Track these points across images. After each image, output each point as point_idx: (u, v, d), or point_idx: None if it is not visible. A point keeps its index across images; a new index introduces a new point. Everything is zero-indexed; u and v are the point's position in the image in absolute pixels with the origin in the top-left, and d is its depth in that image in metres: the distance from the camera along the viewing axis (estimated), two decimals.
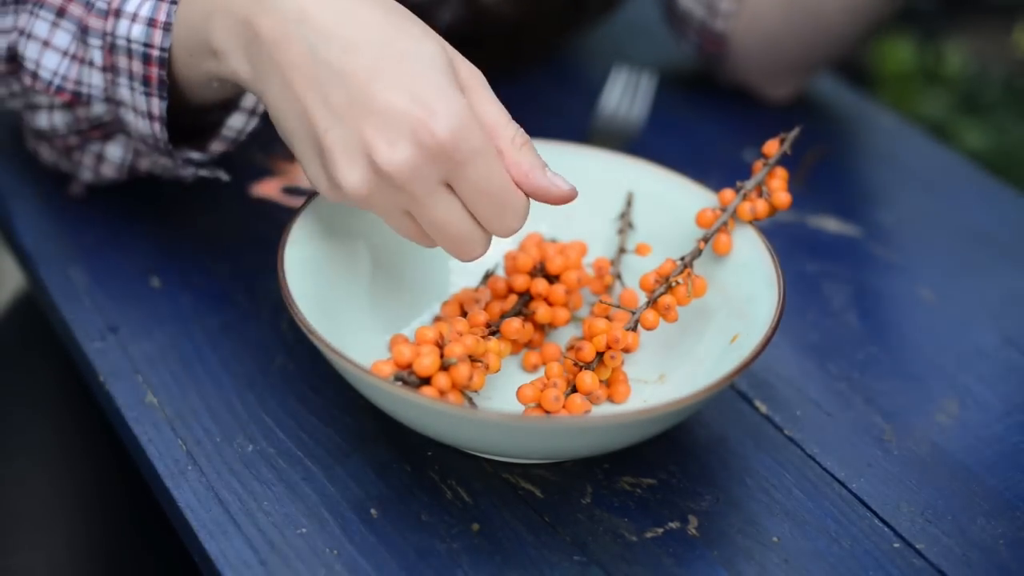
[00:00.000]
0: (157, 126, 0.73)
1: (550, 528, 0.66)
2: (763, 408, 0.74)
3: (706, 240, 0.72)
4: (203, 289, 0.80)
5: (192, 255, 0.82)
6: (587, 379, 0.69)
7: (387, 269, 0.76)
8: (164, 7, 0.71)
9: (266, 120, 0.76)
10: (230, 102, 0.75)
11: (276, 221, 0.84)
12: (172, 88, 0.73)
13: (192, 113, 0.76)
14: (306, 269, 0.70)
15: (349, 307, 0.73)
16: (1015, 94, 2.02)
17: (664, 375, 0.73)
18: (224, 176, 0.77)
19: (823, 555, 0.66)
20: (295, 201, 0.86)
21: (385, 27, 0.64)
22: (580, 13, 1.03)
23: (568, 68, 1.05)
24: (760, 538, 0.66)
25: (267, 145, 0.91)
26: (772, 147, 0.75)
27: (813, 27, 0.95)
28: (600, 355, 0.70)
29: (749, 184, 0.74)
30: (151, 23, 0.71)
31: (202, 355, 0.75)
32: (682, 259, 0.71)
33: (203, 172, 0.77)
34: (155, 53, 0.71)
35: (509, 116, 0.65)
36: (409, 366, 0.65)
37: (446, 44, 0.65)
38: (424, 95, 0.62)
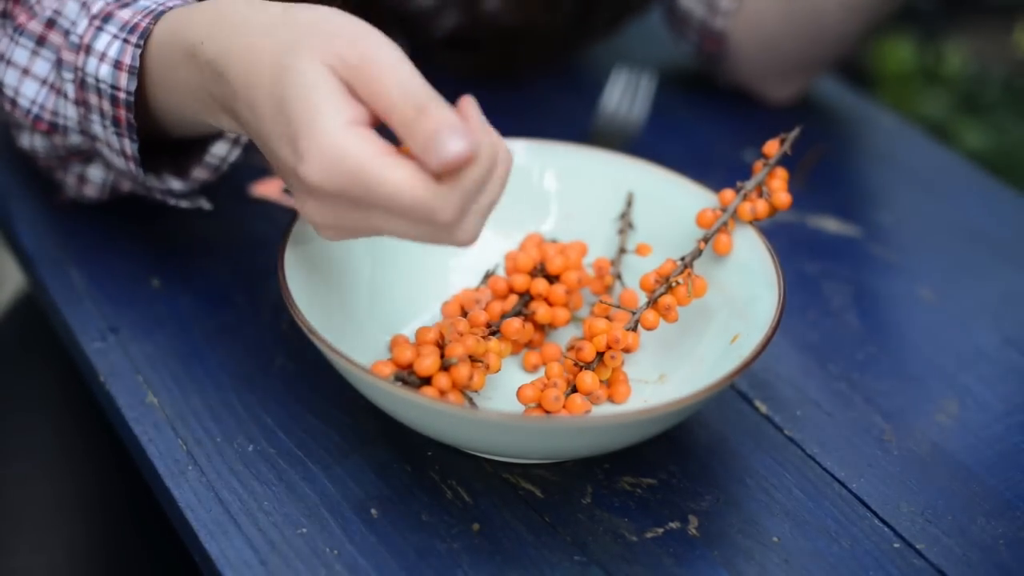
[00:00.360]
0: (132, 164, 0.72)
1: (550, 528, 0.66)
2: (763, 408, 0.74)
3: (706, 240, 0.72)
4: (203, 290, 0.80)
5: (192, 256, 0.82)
6: (587, 379, 0.69)
7: (387, 269, 0.76)
8: (129, 50, 0.69)
9: (250, 149, 0.76)
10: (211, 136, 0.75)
11: (276, 222, 0.84)
12: (151, 116, 0.72)
13: (174, 139, 0.75)
14: (306, 269, 0.70)
15: (349, 307, 0.73)
16: (1015, 94, 2.02)
17: (664, 375, 0.73)
18: (206, 205, 0.76)
19: (823, 555, 0.66)
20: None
21: (274, 54, 0.61)
22: (585, 27, 1.03)
23: (569, 69, 1.05)
24: (760, 538, 0.66)
25: None
26: (772, 147, 0.75)
27: (812, 25, 0.95)
28: (600, 355, 0.70)
29: (749, 184, 0.74)
30: (117, 65, 0.69)
31: (202, 355, 0.75)
32: (682, 259, 0.71)
33: (183, 204, 0.76)
34: (121, 96, 0.70)
35: (408, 84, 0.58)
36: (410, 366, 0.65)
37: (335, 34, 0.60)
38: (296, 134, 0.59)
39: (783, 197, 0.74)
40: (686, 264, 0.71)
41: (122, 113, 0.70)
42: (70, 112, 0.74)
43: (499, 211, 0.73)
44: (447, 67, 0.84)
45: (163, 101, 0.70)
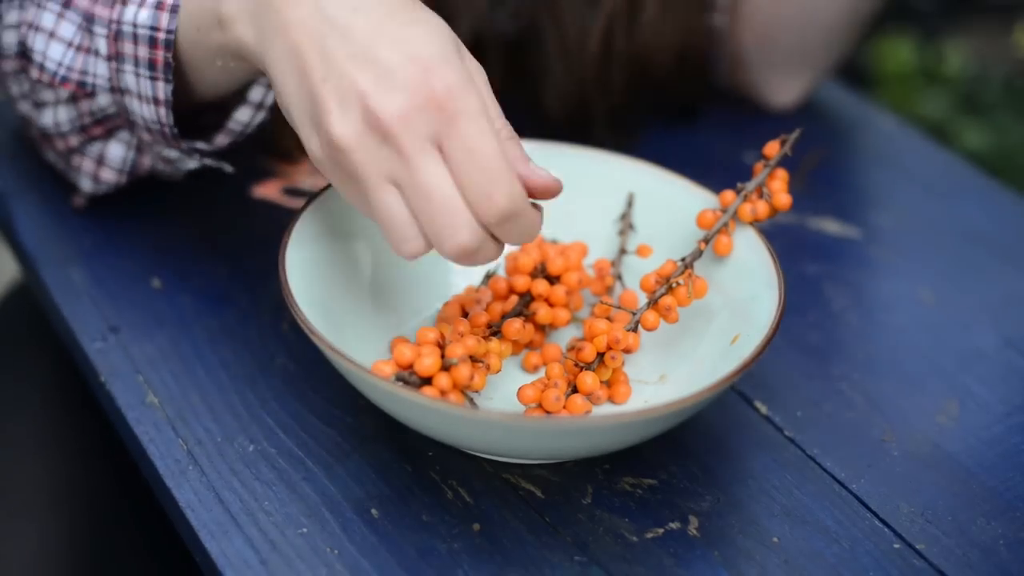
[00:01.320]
0: (163, 111, 0.72)
1: (551, 528, 0.66)
2: (763, 409, 0.74)
3: (707, 241, 0.72)
4: (204, 290, 0.80)
5: (193, 256, 0.82)
6: (588, 380, 0.69)
7: (388, 269, 0.76)
8: None
9: (269, 117, 0.76)
10: (233, 100, 0.75)
11: (277, 222, 0.84)
12: (177, 79, 0.73)
13: (195, 112, 0.76)
14: (307, 270, 0.70)
15: (350, 307, 0.73)
16: (1015, 94, 2.02)
17: (665, 376, 0.73)
18: (228, 168, 0.77)
19: (823, 555, 0.66)
20: (296, 202, 0.86)
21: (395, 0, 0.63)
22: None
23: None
24: (760, 538, 0.66)
25: (268, 146, 0.91)
26: (773, 148, 0.75)
27: (806, 18, 0.95)
28: (601, 356, 0.70)
29: (750, 185, 0.74)
30: (159, 6, 0.71)
31: (203, 355, 0.75)
32: (683, 260, 0.71)
33: (208, 161, 0.76)
34: (161, 36, 0.70)
35: (501, 111, 0.63)
36: (410, 366, 0.65)
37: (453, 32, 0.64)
38: (426, 56, 0.60)
39: (784, 198, 0.74)
40: (686, 265, 0.71)
41: (159, 54, 0.71)
42: (100, 69, 0.74)
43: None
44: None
45: (192, 49, 0.71)
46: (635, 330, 0.71)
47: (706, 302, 0.73)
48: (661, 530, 0.66)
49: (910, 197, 0.95)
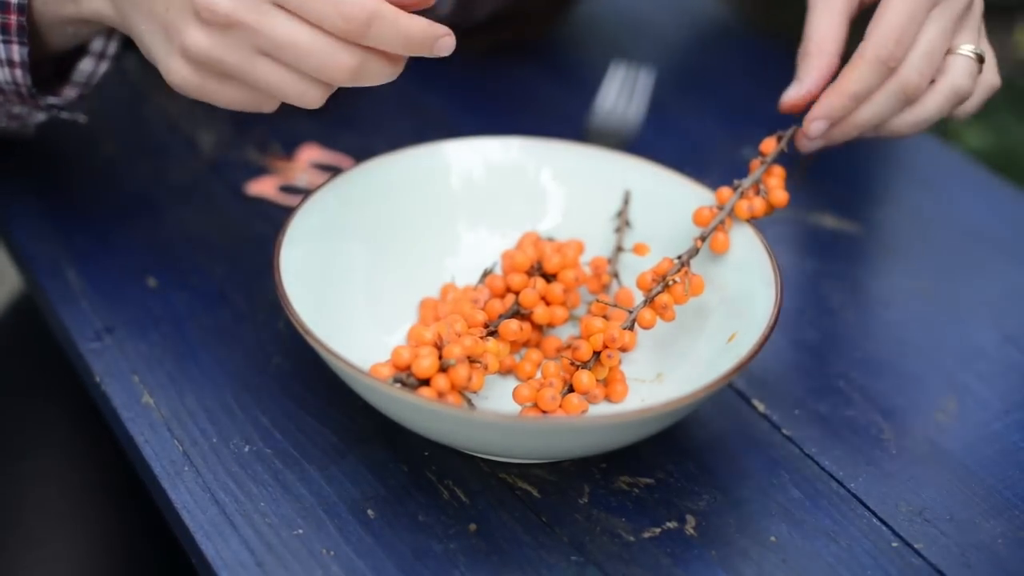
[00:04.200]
0: (19, 72, 0.73)
1: (547, 528, 0.66)
2: (761, 407, 0.74)
3: (703, 239, 0.72)
4: (199, 289, 0.80)
5: (188, 255, 0.82)
6: (583, 378, 0.69)
7: (383, 269, 0.76)
8: None
9: (112, 67, 0.76)
10: (73, 52, 0.76)
11: (272, 220, 0.84)
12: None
13: (42, 62, 0.76)
14: (302, 269, 0.70)
15: (346, 307, 0.72)
16: (1015, 94, 2.02)
17: (662, 374, 0.72)
18: (82, 119, 0.78)
19: (821, 555, 0.65)
20: (291, 200, 0.86)
21: None
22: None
23: (565, 66, 1.05)
24: (758, 538, 0.66)
25: (263, 144, 0.91)
26: (769, 145, 0.75)
27: None
28: (597, 354, 0.70)
29: (746, 182, 0.73)
30: None
31: (198, 356, 0.75)
32: (679, 258, 0.71)
33: (63, 114, 0.77)
34: (13, 0, 0.70)
35: None
36: (408, 367, 0.65)
37: None
38: None
39: (780, 195, 0.73)
40: (683, 263, 0.71)
41: (12, 18, 0.71)
42: None
43: (496, 210, 0.73)
44: (457, 66, 0.82)
45: (40, 16, 0.72)
46: (631, 328, 0.70)
47: (703, 300, 0.73)
48: (658, 529, 0.66)
49: (909, 192, 0.94)
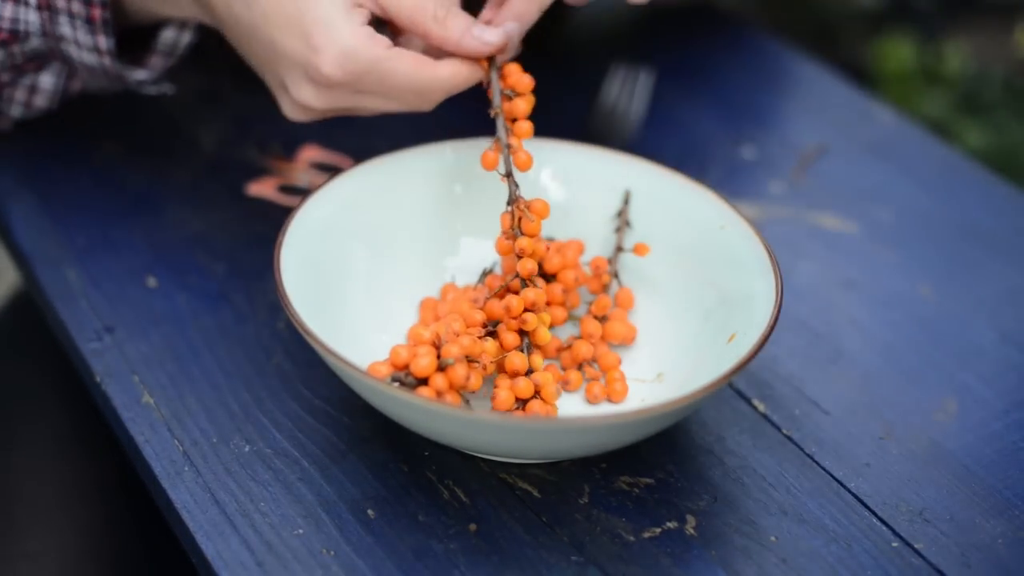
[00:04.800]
0: (107, 59, 0.77)
1: (547, 528, 0.66)
2: (761, 407, 0.74)
3: (508, 174, 0.72)
4: (199, 289, 0.80)
5: (188, 255, 0.82)
6: (516, 360, 0.69)
7: (383, 269, 0.76)
8: None
9: (196, 37, 0.78)
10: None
11: (273, 220, 0.84)
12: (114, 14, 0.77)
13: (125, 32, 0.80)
14: (303, 269, 0.70)
15: (346, 307, 0.72)
16: (1015, 94, 2.02)
17: (662, 374, 0.72)
18: (169, 90, 0.82)
19: (821, 555, 0.65)
20: (292, 200, 0.86)
21: None
22: None
23: (565, 65, 1.05)
24: (758, 538, 0.66)
25: (263, 144, 0.91)
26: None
27: None
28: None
29: (495, 101, 0.73)
30: None
31: (198, 355, 0.75)
32: (511, 202, 0.72)
33: (151, 90, 0.81)
34: None
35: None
36: (406, 367, 0.65)
37: None
38: (310, 31, 0.69)
39: (523, 80, 0.73)
40: (513, 199, 0.71)
41: (97, 12, 0.75)
42: (31, 17, 0.77)
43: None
44: None
45: (141, 5, 0.77)
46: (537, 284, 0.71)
47: (703, 300, 0.73)
48: (658, 529, 0.66)
49: (909, 192, 0.94)
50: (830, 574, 0.64)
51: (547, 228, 0.79)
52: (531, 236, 0.71)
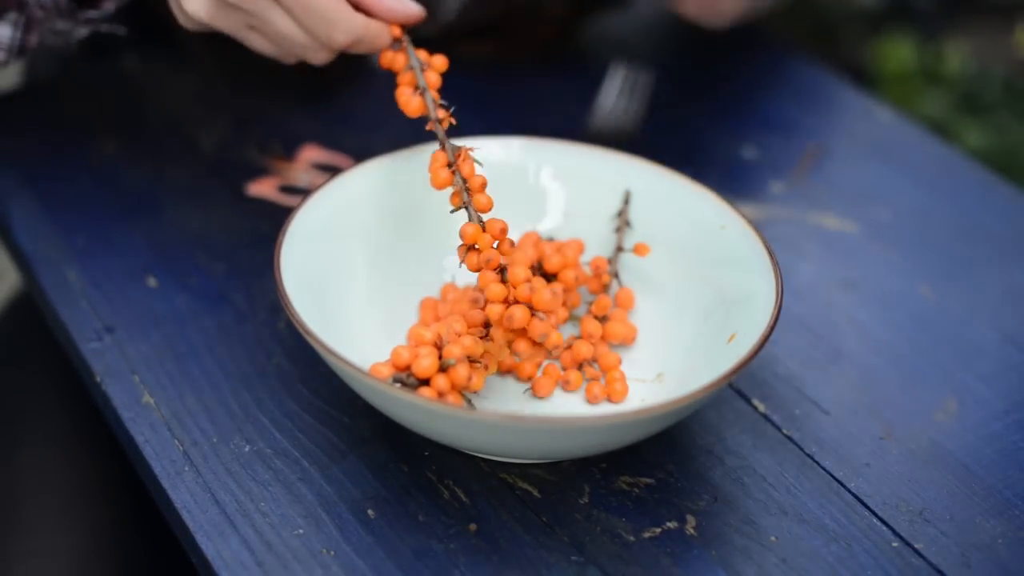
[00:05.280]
0: None
1: (548, 528, 0.66)
2: (761, 407, 0.74)
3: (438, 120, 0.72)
4: (199, 289, 0.80)
5: (188, 255, 0.82)
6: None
7: (384, 269, 0.76)
8: None
9: (250, 116, 0.77)
10: None
11: (273, 220, 0.84)
12: None
13: None
14: (303, 269, 0.70)
15: (346, 307, 0.72)
16: (1015, 94, 2.02)
17: (662, 374, 0.72)
18: (122, 30, 0.82)
19: (821, 554, 0.65)
20: (292, 200, 0.86)
21: None
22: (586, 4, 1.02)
23: (565, 65, 1.05)
24: (758, 538, 0.66)
25: (263, 144, 0.91)
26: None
27: None
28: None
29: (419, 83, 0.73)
30: None
31: (199, 355, 0.75)
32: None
33: (103, 27, 0.82)
34: None
35: None
36: (408, 368, 0.65)
37: None
38: None
39: (439, 60, 0.74)
40: (444, 146, 0.71)
41: None
42: None
43: (495, 209, 0.73)
44: (460, 57, 0.84)
45: None
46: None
47: (703, 299, 0.73)
48: (658, 529, 0.66)
49: (909, 191, 0.94)
50: (830, 574, 0.64)
51: (548, 228, 0.79)
52: (484, 210, 0.71)
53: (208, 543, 0.64)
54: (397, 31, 0.74)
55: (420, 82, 0.73)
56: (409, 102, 0.73)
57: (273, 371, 0.74)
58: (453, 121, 0.72)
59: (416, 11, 0.73)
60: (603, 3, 1.05)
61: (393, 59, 0.74)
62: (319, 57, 0.74)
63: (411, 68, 0.73)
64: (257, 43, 0.74)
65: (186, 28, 0.74)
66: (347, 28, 0.71)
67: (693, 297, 0.74)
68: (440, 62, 0.74)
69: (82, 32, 0.82)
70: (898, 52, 2.05)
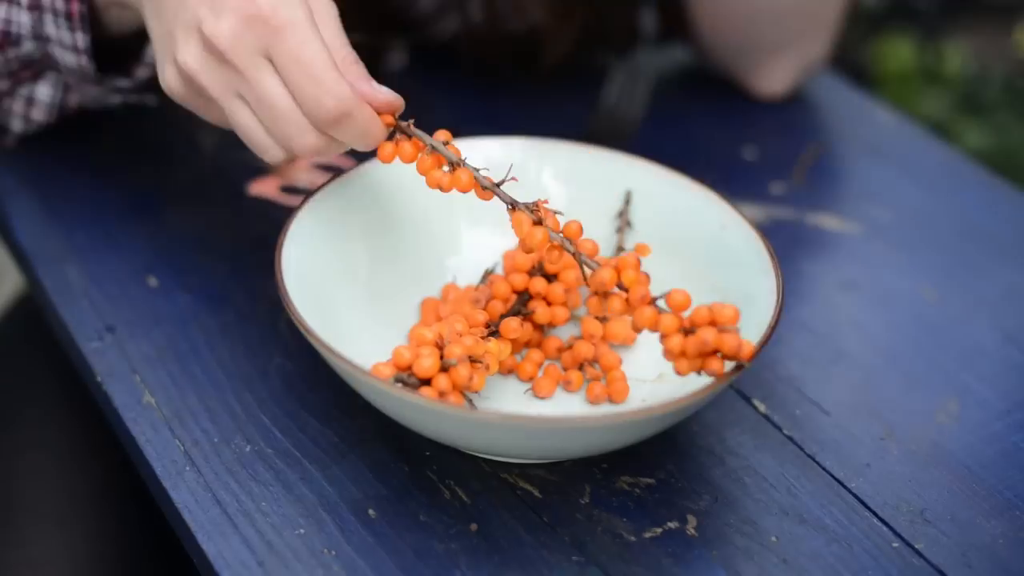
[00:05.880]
0: (83, 58, 0.78)
1: (548, 528, 0.66)
2: (762, 407, 0.74)
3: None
4: (201, 289, 0.80)
5: (190, 255, 0.82)
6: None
7: (385, 269, 0.76)
8: None
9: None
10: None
11: (274, 220, 0.84)
12: (92, 20, 0.77)
13: (113, 43, 0.80)
14: (304, 269, 0.70)
15: (347, 307, 0.72)
16: (1015, 94, 2.02)
17: (663, 374, 0.72)
18: (152, 101, 0.82)
19: (822, 555, 0.65)
20: (293, 200, 0.86)
21: None
22: (596, 39, 1.02)
23: (566, 65, 1.05)
24: (759, 538, 0.66)
25: None
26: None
27: (752, 8, 0.95)
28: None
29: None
30: None
31: (200, 355, 0.75)
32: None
33: (131, 99, 0.82)
34: None
35: (345, 42, 0.68)
36: (409, 367, 0.65)
37: None
38: None
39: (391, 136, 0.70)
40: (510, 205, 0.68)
41: (75, 7, 0.76)
42: (23, 18, 0.78)
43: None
44: (459, 70, 0.84)
45: None
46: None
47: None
48: (659, 529, 0.66)
49: (909, 192, 0.94)
50: (831, 574, 0.64)
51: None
52: (592, 254, 0.67)
53: (209, 543, 0.64)
54: (390, 119, 0.68)
55: (450, 157, 0.68)
56: (478, 195, 0.69)
57: (274, 371, 0.74)
58: (514, 179, 0.69)
59: (398, 101, 0.68)
60: (609, 40, 1.04)
61: (397, 149, 0.69)
62: (305, 141, 0.67)
63: (432, 150, 0.69)
64: (240, 115, 0.67)
65: (171, 95, 0.70)
66: (338, 94, 0.65)
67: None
68: (446, 136, 0.70)
69: (116, 99, 0.83)
70: (898, 52, 2.05)
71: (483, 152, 0.78)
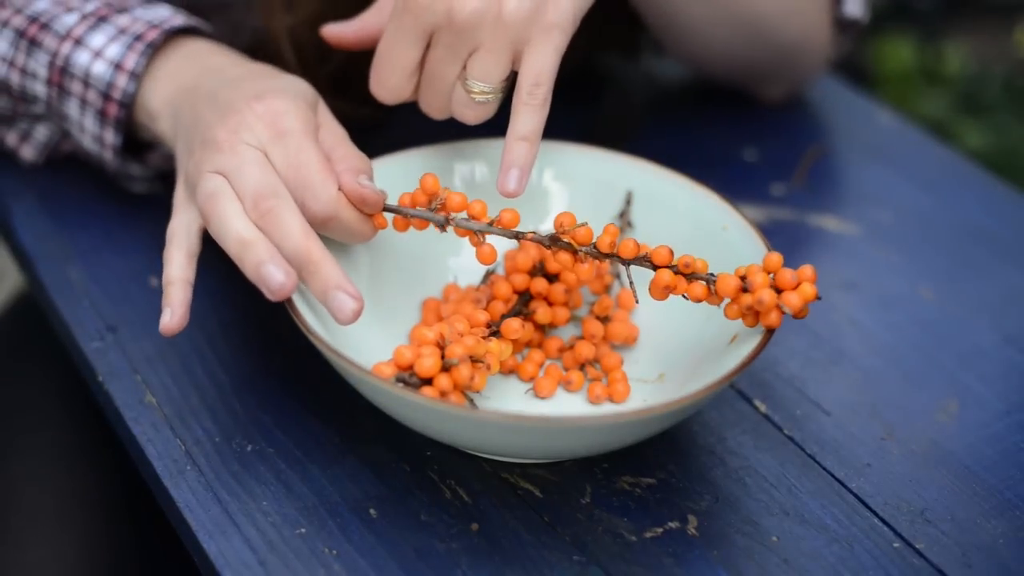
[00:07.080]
0: (108, 153, 0.79)
1: (549, 528, 0.66)
2: (763, 407, 0.74)
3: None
4: (202, 288, 0.79)
5: None
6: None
7: (386, 270, 0.76)
8: (132, 57, 0.76)
9: None
10: None
11: None
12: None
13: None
14: None
15: None
16: (1015, 94, 2.02)
17: (664, 374, 0.73)
18: (158, 189, 0.83)
19: (822, 555, 0.65)
20: None
21: (263, 72, 0.74)
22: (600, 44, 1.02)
23: (566, 66, 1.05)
24: (759, 538, 0.66)
25: None
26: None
27: (722, 48, 0.93)
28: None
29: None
30: (117, 67, 0.76)
31: (201, 355, 0.75)
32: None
33: (136, 188, 0.84)
34: (116, 95, 0.76)
35: (350, 145, 0.71)
36: (410, 367, 0.65)
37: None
38: (268, 92, 0.70)
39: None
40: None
41: (113, 109, 0.77)
42: (38, 88, 0.79)
43: (496, 209, 0.73)
44: None
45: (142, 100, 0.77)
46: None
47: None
48: (660, 529, 0.66)
49: (909, 193, 0.94)
50: (831, 574, 0.64)
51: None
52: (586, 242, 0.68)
53: (210, 542, 0.64)
54: (382, 220, 0.70)
55: (474, 228, 0.69)
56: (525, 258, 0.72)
57: (275, 371, 0.74)
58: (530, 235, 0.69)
59: (375, 196, 0.68)
60: (612, 45, 1.04)
61: (407, 224, 0.70)
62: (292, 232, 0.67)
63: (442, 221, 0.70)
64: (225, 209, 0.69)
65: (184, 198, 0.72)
66: (325, 199, 0.67)
67: None
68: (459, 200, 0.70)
69: (136, 187, 0.84)
70: (898, 52, 2.05)
71: (484, 152, 0.78)
